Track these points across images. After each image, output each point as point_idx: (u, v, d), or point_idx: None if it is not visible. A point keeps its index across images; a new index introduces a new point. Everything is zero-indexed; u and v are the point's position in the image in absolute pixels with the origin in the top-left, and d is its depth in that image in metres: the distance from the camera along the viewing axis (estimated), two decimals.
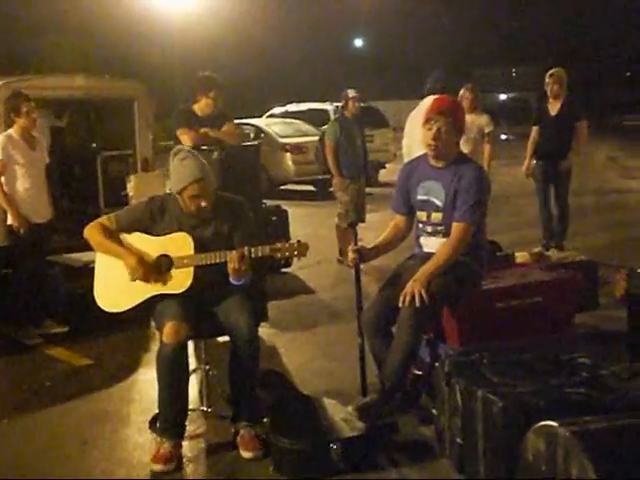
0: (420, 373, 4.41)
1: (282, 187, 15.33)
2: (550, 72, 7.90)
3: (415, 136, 7.22)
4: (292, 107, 18.82)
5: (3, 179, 5.97)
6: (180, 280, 4.06)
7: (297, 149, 14.97)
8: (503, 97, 36.85)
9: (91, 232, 4.27)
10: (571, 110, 7.77)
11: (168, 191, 5.08)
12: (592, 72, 36.14)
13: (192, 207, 4.11)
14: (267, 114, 19.03)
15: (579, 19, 37.43)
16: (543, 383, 3.34)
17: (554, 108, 7.86)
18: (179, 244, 4.10)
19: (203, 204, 4.09)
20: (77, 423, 4.53)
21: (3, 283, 6.47)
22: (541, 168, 7.98)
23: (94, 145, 8.38)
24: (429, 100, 7.15)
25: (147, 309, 4.27)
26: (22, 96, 6.08)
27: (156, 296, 4.11)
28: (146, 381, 5.06)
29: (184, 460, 3.97)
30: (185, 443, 4.06)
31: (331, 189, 9.26)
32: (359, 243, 4.50)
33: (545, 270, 5.06)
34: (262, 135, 15.10)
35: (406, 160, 7.45)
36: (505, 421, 3.11)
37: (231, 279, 4.03)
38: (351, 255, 4.37)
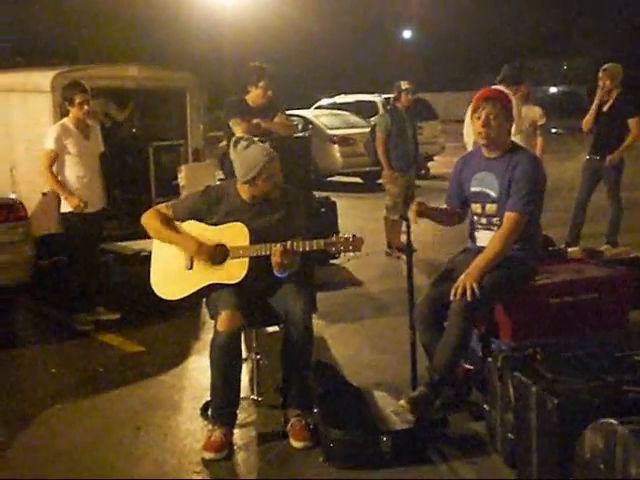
0: (472, 368, 4.38)
1: (329, 179, 15.33)
2: (604, 67, 7.78)
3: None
4: (340, 99, 18.80)
5: (55, 168, 6.05)
6: (235, 270, 4.09)
7: (345, 141, 14.95)
8: (553, 90, 36.34)
9: (149, 219, 4.32)
10: (623, 106, 7.64)
11: (217, 182, 5.13)
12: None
13: (267, 188, 4.15)
14: (315, 105, 19.04)
15: (635, 12, 36.75)
16: (599, 380, 3.29)
17: (606, 103, 7.74)
18: (235, 234, 4.12)
19: (276, 180, 4.16)
20: (129, 409, 4.60)
21: (57, 270, 6.59)
22: (589, 162, 7.89)
23: (146, 135, 8.46)
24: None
25: (198, 298, 4.32)
26: (78, 87, 6.15)
27: (211, 285, 4.14)
28: (197, 369, 5.12)
29: (235, 448, 4.00)
30: (236, 431, 4.10)
31: (379, 181, 9.24)
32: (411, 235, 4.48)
33: (599, 266, 4.99)
34: (310, 126, 15.12)
35: (468, 148, 7.44)
36: (560, 418, 3.08)
37: (275, 272, 4.06)
38: (414, 207, 4.32)
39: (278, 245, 3.97)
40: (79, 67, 7.75)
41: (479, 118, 4.19)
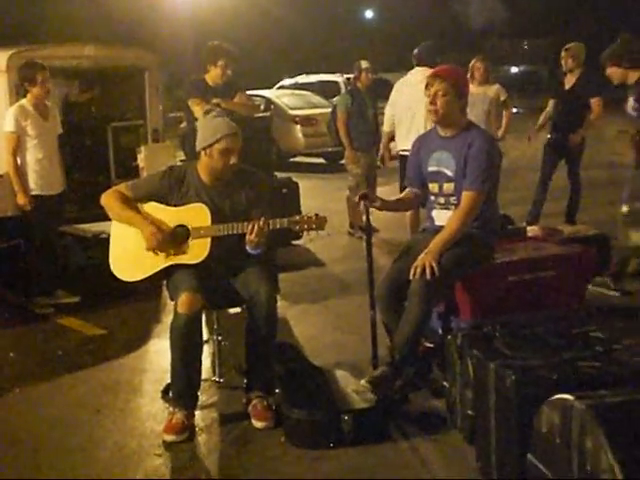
0: (432, 346, 4.42)
1: (292, 159, 15.28)
2: (566, 46, 7.83)
3: (400, 106, 7.24)
4: (302, 79, 18.73)
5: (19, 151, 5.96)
6: (196, 251, 4.06)
7: (307, 121, 14.91)
8: (514, 70, 36.51)
9: (108, 199, 4.26)
10: (585, 85, 7.70)
11: (178, 162, 5.10)
12: (604, 46, 35.82)
13: (220, 164, 4.10)
14: (277, 86, 18.94)
15: None
16: (556, 357, 3.33)
17: (568, 82, 7.80)
18: (196, 215, 4.09)
19: (232, 161, 4.10)
20: (89, 392, 4.56)
21: (15, 253, 6.49)
22: (551, 141, 7.95)
23: (105, 115, 8.34)
24: (415, 71, 7.17)
25: (158, 280, 4.29)
26: (38, 65, 6.05)
27: (171, 266, 4.11)
28: (158, 351, 5.09)
29: (196, 430, 3.99)
30: (197, 413, 4.08)
31: (342, 161, 9.23)
32: (370, 215, 4.49)
33: (557, 244, 5.04)
34: (272, 107, 15.03)
35: (386, 130, 7.51)
36: (517, 394, 3.10)
37: (248, 249, 4.04)
38: (358, 199, 4.35)
39: (253, 223, 3.95)
40: (35, 47, 7.59)
41: (429, 95, 4.20)
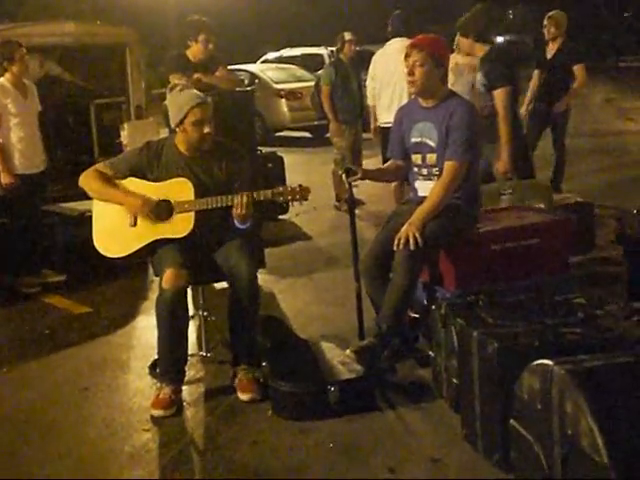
0: (417, 316, 4.44)
1: (278, 134, 15.22)
2: (549, 14, 7.80)
3: (379, 79, 7.22)
4: (286, 52, 18.62)
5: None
6: (181, 225, 4.06)
7: (292, 95, 14.84)
8: (499, 39, 36.40)
9: (87, 179, 4.25)
10: (568, 54, 7.68)
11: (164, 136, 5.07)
12: (589, 13, 35.66)
13: (195, 136, 4.08)
14: (261, 60, 18.82)
15: None
16: (539, 323, 3.35)
17: (551, 51, 7.78)
18: (179, 189, 4.08)
19: (206, 130, 4.08)
20: (77, 370, 4.57)
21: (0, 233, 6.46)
22: (536, 110, 7.94)
23: (87, 93, 8.28)
24: (392, 42, 7.14)
25: (145, 256, 4.28)
26: (14, 43, 6.00)
27: (156, 241, 4.10)
28: (145, 328, 5.10)
29: (184, 404, 4.01)
30: (185, 388, 4.10)
31: (327, 135, 9.20)
32: (354, 189, 4.49)
33: (541, 212, 5.06)
34: (256, 81, 14.95)
35: (371, 103, 7.50)
36: (500, 361, 3.13)
37: (236, 223, 4.04)
38: (340, 171, 4.36)
39: (239, 196, 3.95)
40: (13, 25, 7.55)
41: (407, 66, 4.19)
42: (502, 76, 5.42)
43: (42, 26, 7.86)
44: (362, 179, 4.36)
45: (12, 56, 5.94)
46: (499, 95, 5.40)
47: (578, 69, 7.61)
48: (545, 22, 7.78)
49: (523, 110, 8.07)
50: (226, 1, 28.50)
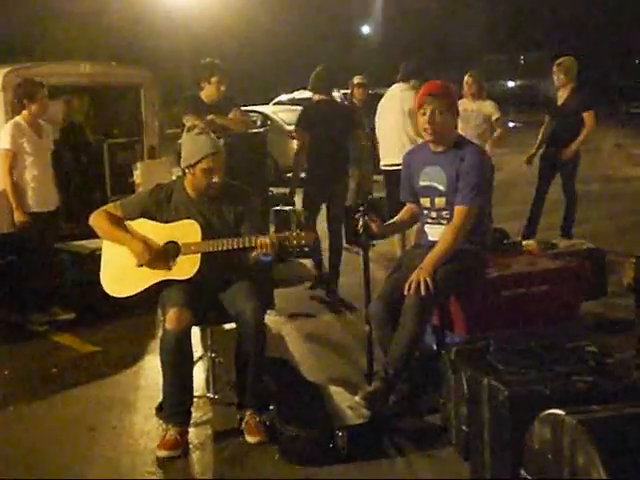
0: (426, 361, 4.40)
1: (289, 175, 15.25)
2: (558, 61, 7.86)
3: (384, 122, 7.25)
4: (299, 94, 18.74)
5: (15, 168, 5.96)
6: (187, 266, 4.07)
7: None
8: (511, 84, 36.66)
9: (97, 219, 4.27)
10: (577, 100, 7.73)
11: (174, 178, 5.11)
12: (601, 59, 35.92)
13: (203, 183, 4.11)
14: (274, 101, 18.98)
15: (589, 5, 37.15)
16: (549, 371, 3.32)
17: (561, 97, 7.83)
18: (186, 231, 4.10)
19: (215, 179, 4.11)
20: (84, 410, 4.55)
21: (10, 270, 6.48)
22: (546, 155, 7.97)
23: (101, 132, 8.37)
24: (396, 87, 7.18)
25: (154, 296, 4.28)
26: (38, 83, 6.09)
27: (163, 282, 4.11)
28: (152, 368, 5.07)
29: (190, 447, 3.98)
30: (191, 430, 4.07)
31: None
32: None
33: (552, 258, 5.05)
34: (269, 122, 15.05)
35: (385, 146, 7.52)
36: (511, 409, 3.10)
37: (260, 257, 4.03)
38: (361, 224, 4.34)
39: (263, 239, 3.95)
40: (31, 64, 7.64)
41: (424, 114, 4.21)
42: None
43: (58, 66, 7.97)
44: (382, 237, 4.36)
45: (34, 95, 6.02)
46: None
47: (587, 116, 7.65)
48: (554, 69, 7.83)
49: (531, 155, 8.12)
50: (240, 43, 28.88)
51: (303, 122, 6.68)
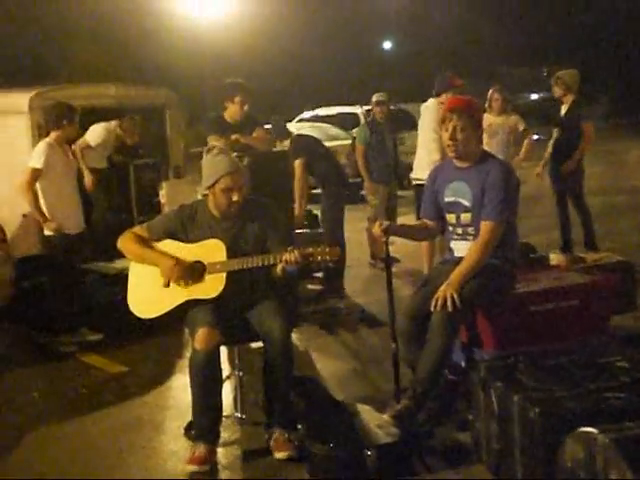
0: (455, 378, 4.37)
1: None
2: (556, 75, 7.80)
3: (420, 137, 7.23)
4: (322, 111, 18.81)
5: (39, 188, 6.01)
6: (213, 285, 4.08)
7: None
8: (534, 97, 36.57)
9: (124, 242, 4.31)
10: (577, 112, 7.66)
11: (199, 197, 5.13)
12: (627, 70, 35.71)
13: (224, 202, 4.14)
14: (297, 119, 19.04)
15: (613, 15, 37.00)
16: (581, 388, 3.29)
17: (563, 110, 7.78)
18: (212, 250, 4.12)
19: (235, 198, 4.13)
20: (112, 430, 4.56)
21: (39, 291, 6.54)
22: (551, 170, 7.91)
23: (126, 153, 8.42)
24: (430, 102, 7.16)
25: (181, 316, 4.29)
26: (74, 106, 6.19)
27: (189, 302, 4.12)
28: (180, 387, 5.07)
29: (219, 467, 3.97)
30: (220, 450, 4.07)
31: (362, 192, 9.25)
32: (390, 247, 4.47)
33: (580, 272, 5.00)
34: None
35: (416, 160, 7.49)
36: (542, 426, 3.07)
37: (286, 267, 4.03)
38: (377, 228, 4.31)
39: (292, 256, 3.94)
40: (57, 87, 7.71)
41: (447, 130, 4.19)
42: None
43: (84, 88, 8.05)
44: (387, 235, 4.33)
45: (72, 117, 6.10)
46: None
47: (586, 128, 7.57)
48: (553, 82, 7.78)
49: (539, 169, 8.06)
50: (264, 62, 29.07)
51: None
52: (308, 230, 7.56)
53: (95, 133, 7.10)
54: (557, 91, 7.73)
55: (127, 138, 7.49)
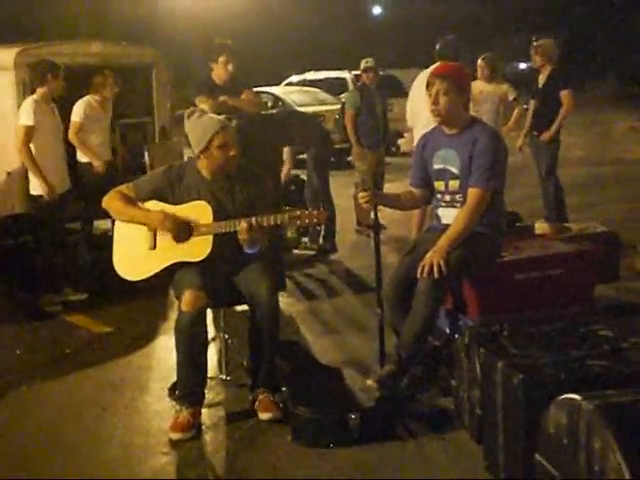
0: (439, 344, 4.40)
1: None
2: (536, 43, 7.72)
3: (415, 102, 7.17)
4: (310, 75, 18.69)
5: (32, 147, 5.93)
6: (199, 248, 4.06)
7: None
8: (523, 66, 36.44)
9: (110, 201, 4.26)
10: (556, 81, 7.60)
11: (186, 159, 5.10)
12: (615, 39, 35.60)
13: (222, 160, 4.10)
14: (285, 82, 18.91)
15: None
16: (564, 355, 3.30)
17: (541, 80, 7.72)
18: (198, 212, 4.09)
19: (232, 153, 4.10)
20: (96, 390, 4.56)
21: (23, 251, 6.50)
22: (530, 140, 7.86)
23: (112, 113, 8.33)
24: (432, 67, 7.07)
25: (166, 277, 4.28)
26: (58, 63, 6.10)
27: (175, 264, 4.10)
28: (165, 349, 5.08)
29: (203, 428, 3.99)
30: (204, 411, 4.08)
31: (350, 158, 9.21)
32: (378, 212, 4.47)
33: (565, 242, 5.02)
34: (280, 104, 15.00)
35: (409, 124, 7.41)
36: (525, 393, 3.08)
37: (245, 248, 4.03)
38: (363, 196, 4.27)
39: (242, 221, 3.94)
40: (42, 44, 7.60)
41: (430, 95, 4.17)
42: None
43: (69, 45, 7.93)
44: (374, 204, 4.32)
45: (58, 73, 6.01)
46: None
47: (564, 96, 7.49)
48: (532, 51, 7.71)
49: (521, 141, 8.00)
50: (251, 25, 28.76)
51: None
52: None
53: (76, 108, 6.76)
54: (537, 60, 7.65)
55: (104, 93, 7.27)
